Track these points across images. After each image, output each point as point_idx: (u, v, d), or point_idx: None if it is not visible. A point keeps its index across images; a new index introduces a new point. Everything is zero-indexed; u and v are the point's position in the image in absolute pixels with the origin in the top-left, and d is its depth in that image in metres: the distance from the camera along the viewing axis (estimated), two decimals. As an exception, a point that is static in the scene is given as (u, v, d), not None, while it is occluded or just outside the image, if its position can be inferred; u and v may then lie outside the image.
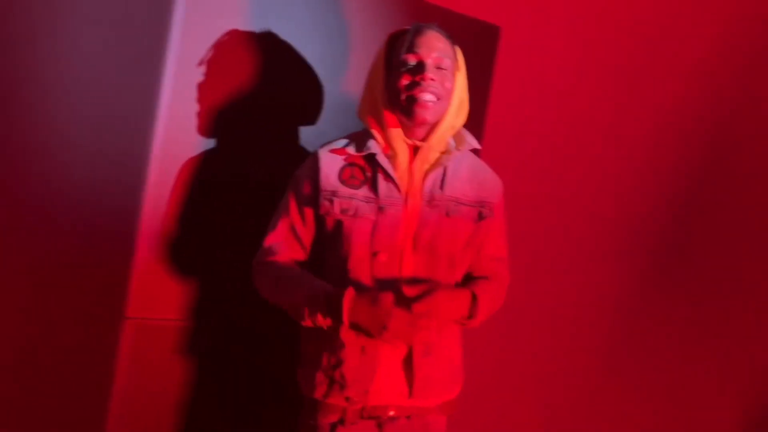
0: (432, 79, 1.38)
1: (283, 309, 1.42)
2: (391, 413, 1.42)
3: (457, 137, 1.50)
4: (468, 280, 1.52)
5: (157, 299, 1.56)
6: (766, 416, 2.28)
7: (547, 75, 2.56)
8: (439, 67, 1.41)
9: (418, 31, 1.43)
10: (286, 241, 1.46)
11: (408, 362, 1.40)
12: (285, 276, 1.42)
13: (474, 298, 1.42)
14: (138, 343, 1.55)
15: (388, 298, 1.31)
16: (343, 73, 1.79)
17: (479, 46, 2.02)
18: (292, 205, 1.46)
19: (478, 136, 2.03)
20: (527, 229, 2.26)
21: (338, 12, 1.77)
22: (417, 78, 1.38)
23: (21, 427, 1.76)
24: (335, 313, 1.32)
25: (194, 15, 1.55)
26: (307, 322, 1.37)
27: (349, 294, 1.32)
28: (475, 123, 2.03)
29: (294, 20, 1.70)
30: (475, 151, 1.53)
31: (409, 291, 1.38)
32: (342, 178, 1.42)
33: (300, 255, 1.47)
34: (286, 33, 1.69)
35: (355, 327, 1.33)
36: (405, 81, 1.40)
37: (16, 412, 1.79)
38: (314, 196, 1.43)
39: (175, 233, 1.57)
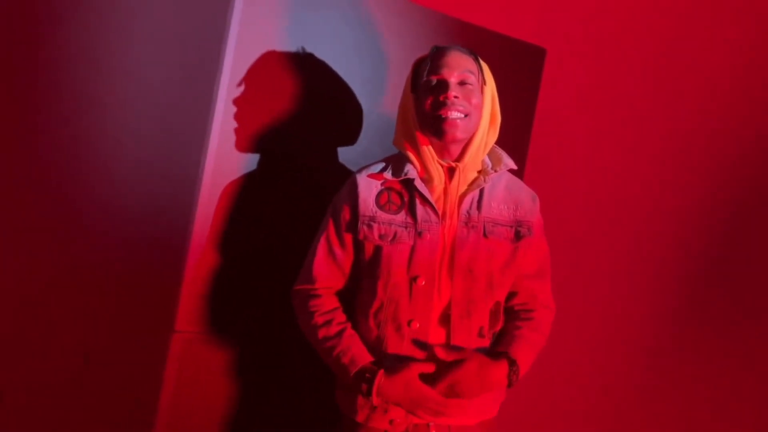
0: (456, 97, 1.39)
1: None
2: (432, 431, 1.42)
3: (493, 156, 1.50)
4: (511, 316, 1.50)
5: (206, 313, 1.58)
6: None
7: (591, 96, 2.54)
8: (463, 83, 1.41)
9: (439, 52, 1.44)
10: (326, 267, 1.47)
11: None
12: (322, 330, 1.43)
13: (512, 363, 1.39)
14: (186, 356, 1.57)
15: (415, 371, 1.34)
16: (383, 93, 1.81)
17: (525, 68, 2.02)
18: (332, 230, 1.47)
19: (522, 158, 2.02)
20: (572, 249, 2.23)
21: (382, 34, 1.80)
22: (441, 98, 1.39)
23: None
24: (365, 391, 1.35)
25: (246, 35, 1.58)
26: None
27: (379, 379, 1.34)
28: (519, 144, 2.03)
29: (339, 44, 1.73)
30: (512, 170, 1.52)
31: (444, 355, 1.37)
32: (380, 203, 1.43)
33: (339, 281, 1.48)
34: (332, 56, 1.72)
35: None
36: (430, 102, 1.41)
37: (66, 427, 1.83)
38: (353, 221, 1.44)
39: (225, 248, 1.60)
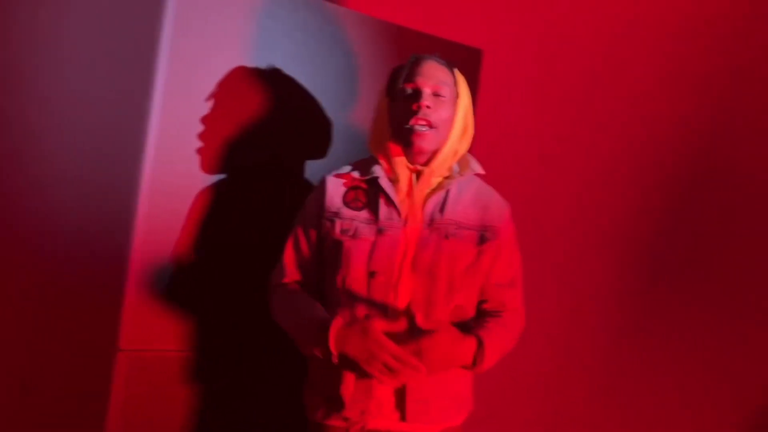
0: (428, 107, 1.42)
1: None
2: (395, 429, 1.41)
3: (462, 162, 1.53)
4: (481, 315, 1.51)
5: (151, 330, 1.54)
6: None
7: (529, 95, 2.60)
8: (437, 95, 1.45)
9: (416, 61, 1.48)
10: (294, 262, 1.51)
11: (402, 385, 1.39)
12: (288, 303, 1.47)
13: (480, 344, 1.40)
14: (133, 376, 1.52)
15: (377, 326, 1.32)
16: (336, 103, 1.80)
17: (463, 70, 2.05)
18: (300, 228, 1.51)
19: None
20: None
21: (330, 41, 1.79)
22: (413, 106, 1.42)
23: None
24: (323, 342, 1.33)
25: (183, 44, 1.55)
26: (306, 351, 1.40)
27: (336, 323, 1.33)
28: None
29: (291, 54, 1.72)
30: (482, 177, 1.55)
31: (421, 322, 1.39)
32: (346, 200, 1.47)
33: (307, 276, 1.51)
34: (285, 65, 1.71)
35: (344, 358, 1.33)
36: (403, 109, 1.44)
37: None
38: (319, 218, 1.48)
39: (168, 262, 1.56)
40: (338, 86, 1.81)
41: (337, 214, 1.45)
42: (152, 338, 1.54)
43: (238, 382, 1.66)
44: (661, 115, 2.49)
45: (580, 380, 2.54)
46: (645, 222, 2.51)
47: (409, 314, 1.40)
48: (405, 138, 1.44)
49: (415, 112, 1.42)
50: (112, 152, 1.63)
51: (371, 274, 1.40)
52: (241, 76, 1.64)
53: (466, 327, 1.44)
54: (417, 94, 1.44)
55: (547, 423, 2.55)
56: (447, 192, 1.47)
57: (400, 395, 1.40)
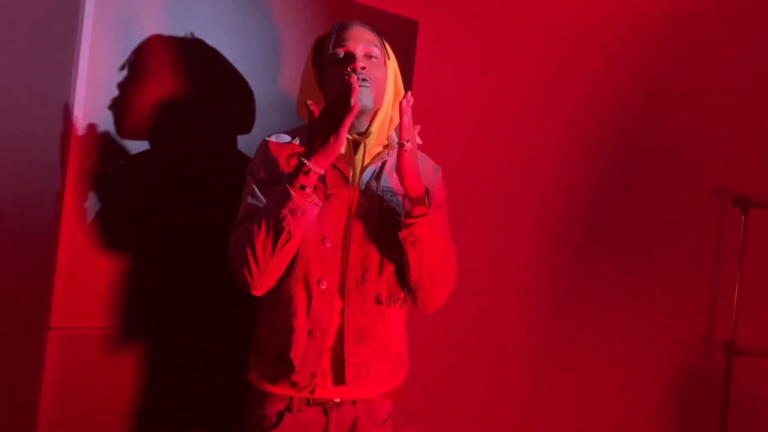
0: (363, 67, 1.42)
1: (271, 250, 1.35)
2: (337, 399, 1.45)
3: (399, 131, 1.51)
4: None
5: (83, 307, 1.51)
6: (683, 380, 2.44)
7: (464, 68, 2.63)
8: (369, 56, 1.45)
9: (343, 26, 1.47)
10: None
11: (340, 349, 1.42)
12: (250, 225, 1.37)
13: (428, 192, 1.40)
14: (66, 354, 1.49)
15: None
16: (265, 72, 1.78)
17: (399, 41, 2.05)
18: (255, 191, 1.45)
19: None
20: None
21: (257, 11, 1.76)
22: (349, 68, 1.41)
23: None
24: (304, 154, 1.32)
25: (105, 18, 1.50)
26: (290, 221, 1.32)
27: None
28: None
29: (213, 21, 1.68)
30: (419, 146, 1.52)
31: (354, 289, 1.42)
32: (290, 165, 1.44)
33: None
34: (205, 34, 1.67)
35: (325, 117, 1.31)
36: (337, 74, 1.42)
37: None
38: (269, 182, 1.45)
39: (98, 238, 1.53)
40: (271, 57, 1.79)
41: (283, 176, 1.41)
42: (84, 316, 1.52)
43: (173, 356, 1.66)
44: (590, 89, 2.57)
45: (516, 345, 2.63)
46: (574, 194, 2.59)
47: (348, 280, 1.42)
48: None
49: (349, 73, 1.40)
50: (36, 128, 1.57)
51: (322, 240, 1.42)
52: (163, 46, 1.60)
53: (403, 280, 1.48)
54: (349, 56, 1.43)
55: (486, 390, 2.64)
56: (384, 162, 1.49)
57: (339, 362, 1.42)
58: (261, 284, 1.40)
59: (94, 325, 1.54)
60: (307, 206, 1.33)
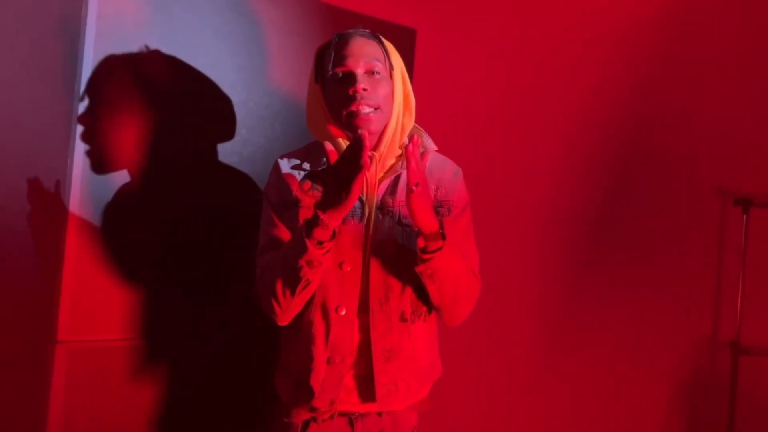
0: (365, 89, 1.35)
1: (290, 294, 1.33)
2: (362, 411, 1.43)
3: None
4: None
5: (90, 320, 1.51)
6: (689, 380, 2.44)
7: (462, 76, 2.64)
8: (371, 72, 1.38)
9: (342, 41, 1.39)
10: (274, 238, 1.42)
11: (369, 371, 1.39)
12: (272, 270, 1.35)
13: (442, 227, 1.33)
14: (73, 368, 1.49)
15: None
16: (260, 80, 1.79)
17: (397, 49, 2.07)
18: (273, 216, 1.42)
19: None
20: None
21: (256, 21, 1.78)
22: (350, 91, 1.35)
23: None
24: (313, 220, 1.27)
25: (104, 30, 1.52)
26: (306, 271, 1.29)
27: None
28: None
29: (212, 32, 1.70)
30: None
31: (377, 309, 1.38)
32: (304, 189, 1.41)
33: None
34: (202, 46, 1.68)
35: (338, 169, 1.25)
36: (339, 96, 1.37)
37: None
38: (282, 206, 1.41)
39: (104, 251, 1.53)
40: (271, 67, 1.80)
41: (297, 204, 1.39)
42: (91, 329, 1.52)
43: (183, 368, 1.66)
44: (591, 91, 2.58)
45: (524, 330, 2.62)
46: (576, 196, 2.60)
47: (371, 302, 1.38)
48: (349, 125, 1.36)
49: (352, 98, 1.34)
50: (41, 140, 1.58)
51: (339, 265, 1.38)
52: (161, 59, 1.61)
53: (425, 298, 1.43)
54: (350, 77, 1.36)
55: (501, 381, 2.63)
56: (398, 175, 1.42)
57: (365, 380, 1.40)
58: (286, 318, 1.39)
59: (101, 337, 1.54)
60: (323, 258, 1.31)
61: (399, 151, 1.44)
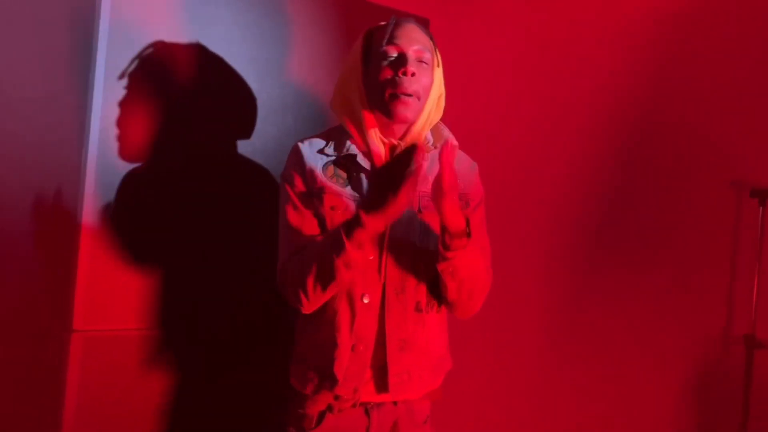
0: (413, 73, 1.36)
1: (321, 290, 1.34)
2: (379, 401, 1.44)
3: (435, 132, 1.49)
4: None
5: (105, 309, 1.52)
6: (704, 375, 2.43)
7: (475, 66, 2.63)
8: (420, 61, 1.39)
9: (398, 24, 1.41)
10: (303, 234, 1.40)
11: (383, 360, 1.40)
12: (302, 258, 1.35)
13: (468, 224, 1.34)
14: (89, 357, 1.50)
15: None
16: (279, 73, 1.79)
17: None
18: (297, 205, 1.41)
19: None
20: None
21: (269, 12, 1.77)
22: (399, 72, 1.36)
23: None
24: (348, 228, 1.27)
25: (120, 22, 1.52)
26: (342, 272, 1.30)
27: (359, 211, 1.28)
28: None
29: (226, 24, 1.69)
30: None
31: (394, 295, 1.39)
32: (327, 176, 1.41)
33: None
34: (216, 38, 1.68)
35: (388, 170, 1.25)
36: (387, 74, 1.37)
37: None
38: (306, 192, 1.41)
39: (119, 239, 1.54)
40: (285, 58, 1.80)
41: (323, 190, 1.39)
42: (107, 318, 1.53)
43: (198, 356, 1.67)
44: (606, 84, 2.56)
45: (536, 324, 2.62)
46: (590, 188, 2.59)
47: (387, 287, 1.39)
48: (385, 106, 1.37)
49: (398, 81, 1.35)
50: (56, 131, 1.59)
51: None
52: (176, 50, 1.61)
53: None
54: (402, 58, 1.37)
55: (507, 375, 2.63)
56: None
57: (380, 370, 1.41)
58: (311, 308, 1.40)
59: (117, 327, 1.55)
60: (361, 260, 1.32)
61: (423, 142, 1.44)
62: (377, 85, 1.38)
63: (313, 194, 1.40)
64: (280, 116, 1.78)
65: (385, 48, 1.38)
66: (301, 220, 1.41)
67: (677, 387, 2.45)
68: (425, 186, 1.42)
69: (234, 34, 1.71)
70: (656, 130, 2.56)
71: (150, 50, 1.57)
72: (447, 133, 1.49)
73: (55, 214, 1.57)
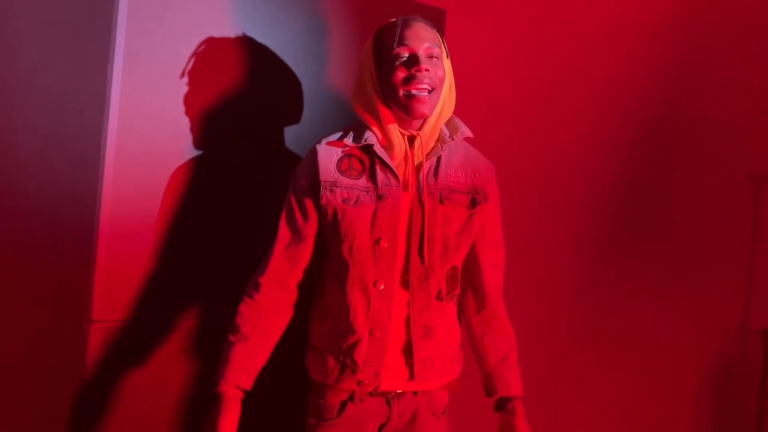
0: (427, 70, 1.41)
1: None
2: (399, 390, 1.47)
3: (451, 125, 1.53)
4: (479, 308, 1.57)
5: (124, 300, 1.53)
6: (723, 365, 2.41)
7: (491, 57, 2.61)
8: (430, 57, 1.43)
9: (406, 24, 1.45)
10: (287, 248, 1.48)
11: (408, 345, 1.45)
12: (236, 331, 1.48)
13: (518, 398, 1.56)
14: (107, 347, 1.51)
15: None
16: (308, 68, 1.78)
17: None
18: (293, 202, 1.48)
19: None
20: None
21: (298, 5, 1.76)
22: (413, 71, 1.40)
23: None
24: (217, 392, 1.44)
25: (139, 13, 1.52)
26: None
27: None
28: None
29: (253, 17, 1.69)
30: (467, 139, 1.56)
31: (417, 285, 1.44)
32: (341, 169, 1.46)
33: (300, 257, 1.48)
34: (234, 28, 1.67)
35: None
36: (401, 75, 1.41)
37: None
38: (314, 189, 1.45)
39: (137, 230, 1.55)
40: (303, 50, 1.79)
41: (335, 184, 1.44)
42: (125, 308, 1.54)
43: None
44: (624, 76, 2.54)
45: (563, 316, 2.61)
46: (609, 182, 2.57)
47: (410, 279, 1.44)
48: (405, 105, 1.42)
49: (413, 77, 1.40)
50: (75, 122, 1.60)
51: (377, 241, 1.43)
52: (204, 41, 1.61)
53: (457, 280, 1.52)
54: (413, 58, 1.42)
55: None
56: (439, 157, 1.49)
57: (408, 355, 1.45)
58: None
59: (136, 317, 1.55)
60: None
61: (438, 135, 1.50)
62: (392, 86, 1.43)
63: (326, 189, 1.44)
64: (308, 112, 1.77)
65: (396, 50, 1.43)
66: (293, 221, 1.47)
67: (695, 381, 2.44)
68: (445, 178, 1.48)
69: (253, 24, 1.70)
70: (673, 124, 2.54)
71: (169, 41, 1.57)
72: (462, 126, 1.53)
73: (74, 205, 1.57)
